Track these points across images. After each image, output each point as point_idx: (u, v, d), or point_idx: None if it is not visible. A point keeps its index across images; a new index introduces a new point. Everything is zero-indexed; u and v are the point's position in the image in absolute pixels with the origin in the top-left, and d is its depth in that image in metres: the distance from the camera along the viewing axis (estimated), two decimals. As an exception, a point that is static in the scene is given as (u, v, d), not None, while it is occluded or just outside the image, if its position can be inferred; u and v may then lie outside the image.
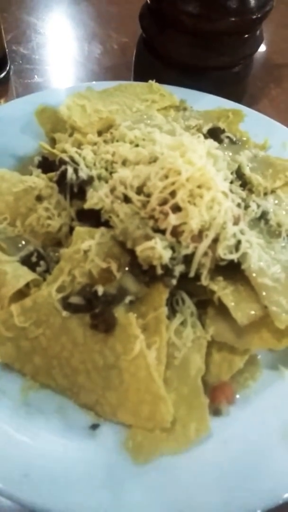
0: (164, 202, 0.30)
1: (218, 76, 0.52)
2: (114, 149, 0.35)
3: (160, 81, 0.49)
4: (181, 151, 0.32)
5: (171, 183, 0.30)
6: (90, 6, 0.67)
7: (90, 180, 0.33)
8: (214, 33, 0.47)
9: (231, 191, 0.36)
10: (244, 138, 0.46)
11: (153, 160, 0.33)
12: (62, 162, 0.34)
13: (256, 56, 0.53)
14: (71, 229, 0.33)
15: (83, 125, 0.40)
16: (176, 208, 0.30)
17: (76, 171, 0.33)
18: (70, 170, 0.32)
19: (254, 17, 0.47)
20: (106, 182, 0.33)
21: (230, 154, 0.42)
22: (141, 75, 0.55)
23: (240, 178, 0.40)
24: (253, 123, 0.48)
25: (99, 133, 0.41)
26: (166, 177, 0.30)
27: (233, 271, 0.32)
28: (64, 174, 0.33)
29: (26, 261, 0.31)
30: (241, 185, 0.40)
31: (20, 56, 0.57)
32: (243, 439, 0.29)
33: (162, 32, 0.49)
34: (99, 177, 0.33)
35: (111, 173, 0.34)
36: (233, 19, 0.46)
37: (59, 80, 0.55)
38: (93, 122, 0.41)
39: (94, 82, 0.49)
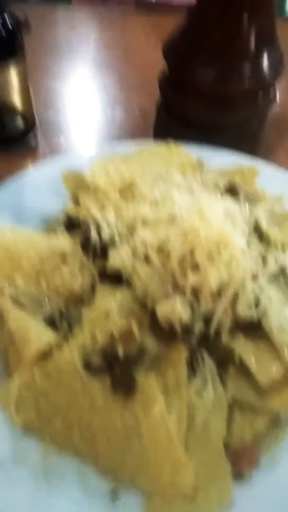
0: (183, 262, 0.31)
1: (234, 133, 0.54)
2: (135, 210, 0.37)
3: (178, 139, 0.52)
4: (198, 211, 0.33)
5: (189, 243, 0.31)
6: (112, 71, 0.72)
7: (112, 241, 0.34)
8: (229, 96, 0.50)
9: (248, 245, 0.37)
10: (260, 193, 0.47)
11: (172, 220, 0.34)
12: (86, 224, 0.36)
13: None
14: (93, 288, 0.34)
15: (105, 185, 0.43)
16: (195, 267, 0.31)
17: (99, 233, 0.34)
18: (93, 233, 0.34)
19: (267, 80, 0.50)
20: (127, 242, 0.34)
21: (247, 209, 0.43)
22: (160, 135, 0.58)
23: (258, 232, 0.41)
24: (269, 176, 0.50)
25: (121, 192, 0.43)
26: (185, 237, 0.32)
27: (253, 328, 0.32)
28: (87, 236, 0.34)
29: (49, 321, 0.32)
30: (258, 240, 0.40)
31: (47, 120, 0.61)
32: (268, 506, 0.28)
33: (179, 96, 0.53)
34: (121, 237, 0.35)
35: (131, 232, 0.35)
36: (247, 83, 0.49)
37: (83, 143, 0.59)
38: (115, 182, 0.43)
39: (116, 144, 0.52)
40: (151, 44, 0.79)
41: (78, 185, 0.46)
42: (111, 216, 0.36)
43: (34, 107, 0.57)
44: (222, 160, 0.51)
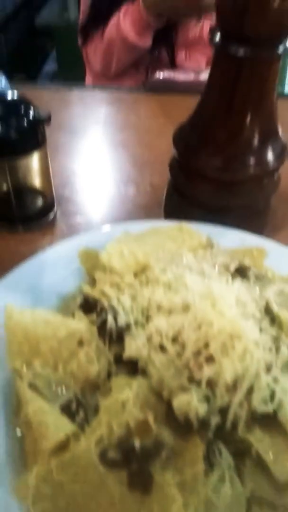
0: (198, 353, 0.32)
1: (241, 213, 0.57)
2: (150, 295, 0.39)
3: (187, 218, 0.54)
4: (211, 300, 0.35)
5: (203, 334, 0.32)
6: (126, 151, 0.77)
7: (128, 327, 0.35)
8: (234, 182, 0.53)
9: (261, 330, 0.38)
10: (270, 273, 0.49)
11: (186, 307, 0.36)
12: (103, 309, 0.38)
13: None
14: (110, 374, 0.35)
15: (120, 267, 0.45)
16: (210, 359, 0.32)
17: (115, 318, 0.36)
18: (110, 318, 0.36)
19: (271, 166, 0.53)
20: (143, 328, 0.36)
21: (257, 291, 0.45)
22: (170, 213, 0.62)
23: (269, 315, 0.42)
24: (277, 255, 0.52)
25: (135, 274, 0.45)
26: (199, 327, 0.33)
27: (270, 420, 0.32)
28: (104, 321, 0.36)
29: (66, 409, 0.33)
30: (270, 322, 0.41)
31: (65, 198, 0.65)
32: None
33: (188, 180, 0.56)
34: (136, 323, 0.36)
35: (147, 318, 0.37)
36: (251, 170, 0.52)
37: (99, 219, 0.62)
38: (130, 265, 0.45)
39: (129, 223, 0.55)
40: (160, 123, 0.86)
41: (94, 264, 0.48)
42: (126, 300, 0.38)
43: (53, 187, 0.61)
44: (231, 239, 0.53)
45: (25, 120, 0.51)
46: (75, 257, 0.49)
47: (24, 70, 3.59)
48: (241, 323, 0.33)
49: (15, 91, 0.53)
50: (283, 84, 3.09)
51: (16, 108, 0.51)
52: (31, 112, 0.51)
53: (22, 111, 0.51)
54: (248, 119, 0.49)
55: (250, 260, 0.49)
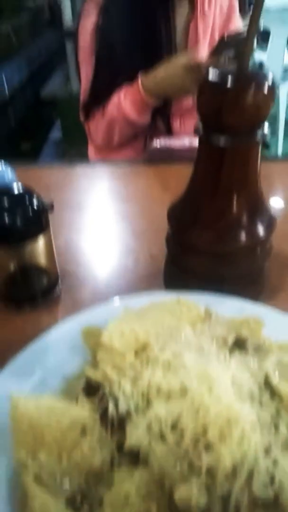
0: (197, 440, 0.33)
1: (236, 281, 0.59)
2: (150, 377, 0.40)
3: (186, 287, 0.57)
4: (208, 383, 0.36)
5: (201, 421, 0.33)
6: (126, 222, 0.81)
7: (128, 414, 0.37)
8: (227, 254, 0.56)
9: (261, 404, 0.39)
10: (267, 343, 0.50)
11: (184, 391, 0.37)
12: (104, 393, 0.39)
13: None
14: (112, 463, 0.36)
15: (121, 346, 0.46)
16: (208, 445, 0.32)
17: (116, 405, 0.37)
18: (111, 406, 0.37)
19: (262, 237, 0.56)
20: (143, 413, 0.37)
21: (256, 363, 0.46)
22: (170, 283, 0.64)
23: (268, 387, 0.43)
24: (274, 323, 0.53)
25: (136, 353, 0.46)
26: (197, 412, 0.34)
27: (272, 504, 0.32)
28: (106, 409, 0.37)
29: (71, 503, 0.33)
30: (270, 395, 0.42)
31: (69, 274, 0.68)
32: None
33: (183, 253, 0.59)
34: (137, 409, 0.37)
35: (147, 402, 0.38)
36: (242, 242, 0.55)
37: (102, 292, 0.64)
38: (130, 343, 0.47)
39: (130, 297, 0.57)
40: (158, 194, 0.91)
41: (97, 342, 0.50)
42: (127, 385, 0.39)
43: (57, 264, 0.64)
44: (229, 307, 0.55)
45: (30, 209, 0.55)
46: (78, 336, 0.51)
47: (30, 138, 3.83)
48: (237, 406, 0.34)
49: (20, 183, 0.58)
50: (276, 147, 3.22)
51: (22, 199, 0.55)
52: (35, 202, 0.56)
53: (27, 202, 0.55)
54: (235, 198, 0.53)
55: (248, 330, 0.51)
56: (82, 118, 1.29)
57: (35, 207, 0.55)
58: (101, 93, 1.21)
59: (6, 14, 6.00)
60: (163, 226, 0.61)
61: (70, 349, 0.51)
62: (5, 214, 0.54)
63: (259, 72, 0.48)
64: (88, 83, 1.22)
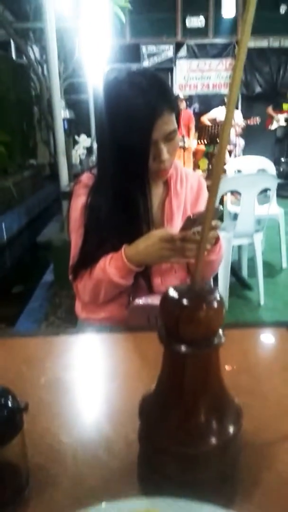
0: None
1: (210, 484, 0.58)
2: None
3: (158, 488, 0.55)
4: None
5: None
6: (104, 403, 0.81)
7: None
8: (197, 455, 0.56)
9: None
10: None
11: None
12: None
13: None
14: None
15: None
16: None
17: None
18: None
19: (231, 435, 0.57)
20: None
21: None
22: (142, 482, 0.62)
23: None
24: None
25: None
26: None
27: None
28: None
29: None
30: None
31: (40, 469, 0.66)
32: None
33: (154, 451, 0.59)
34: None
35: None
36: (211, 442, 0.56)
37: (74, 494, 0.62)
38: None
39: (102, 507, 0.55)
40: (137, 369, 0.93)
41: None
42: None
43: (28, 460, 0.63)
44: None
45: (5, 412, 0.56)
46: None
47: (23, 281, 4.01)
48: None
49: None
50: (257, 288, 3.42)
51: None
52: (10, 403, 0.58)
53: (2, 401, 0.57)
54: (200, 400, 0.55)
55: None
56: (70, 278, 1.39)
57: (10, 410, 0.57)
58: (88, 258, 1.33)
59: (10, 171, 6.88)
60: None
61: None
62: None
63: (210, 289, 0.56)
64: (77, 250, 1.36)
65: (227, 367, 0.88)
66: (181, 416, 0.56)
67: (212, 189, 0.51)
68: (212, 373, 0.56)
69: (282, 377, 0.87)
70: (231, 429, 0.57)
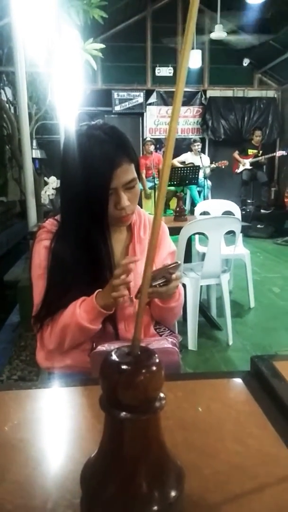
0: None
1: None
2: None
3: None
4: None
5: None
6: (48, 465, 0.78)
7: None
8: None
9: None
10: None
11: None
12: None
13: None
14: None
15: None
16: None
17: None
18: None
19: (173, 498, 0.56)
20: None
21: None
22: None
23: None
24: None
25: None
26: None
27: None
28: None
29: None
30: None
31: None
32: None
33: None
34: None
35: None
36: (152, 507, 0.55)
37: None
38: None
39: None
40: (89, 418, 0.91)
41: None
42: None
43: None
44: None
45: None
46: None
47: (-13, 323, 3.87)
48: None
49: None
50: (225, 328, 3.44)
51: None
52: None
53: None
54: (139, 464, 0.55)
55: None
56: (34, 329, 1.37)
57: None
58: (53, 306, 1.32)
59: (-22, 209, 6.80)
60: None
61: None
62: None
63: (149, 353, 0.57)
64: (40, 298, 1.34)
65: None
66: (121, 483, 0.55)
67: (151, 244, 0.52)
68: (152, 438, 0.56)
69: (232, 434, 0.87)
70: (172, 494, 0.57)
